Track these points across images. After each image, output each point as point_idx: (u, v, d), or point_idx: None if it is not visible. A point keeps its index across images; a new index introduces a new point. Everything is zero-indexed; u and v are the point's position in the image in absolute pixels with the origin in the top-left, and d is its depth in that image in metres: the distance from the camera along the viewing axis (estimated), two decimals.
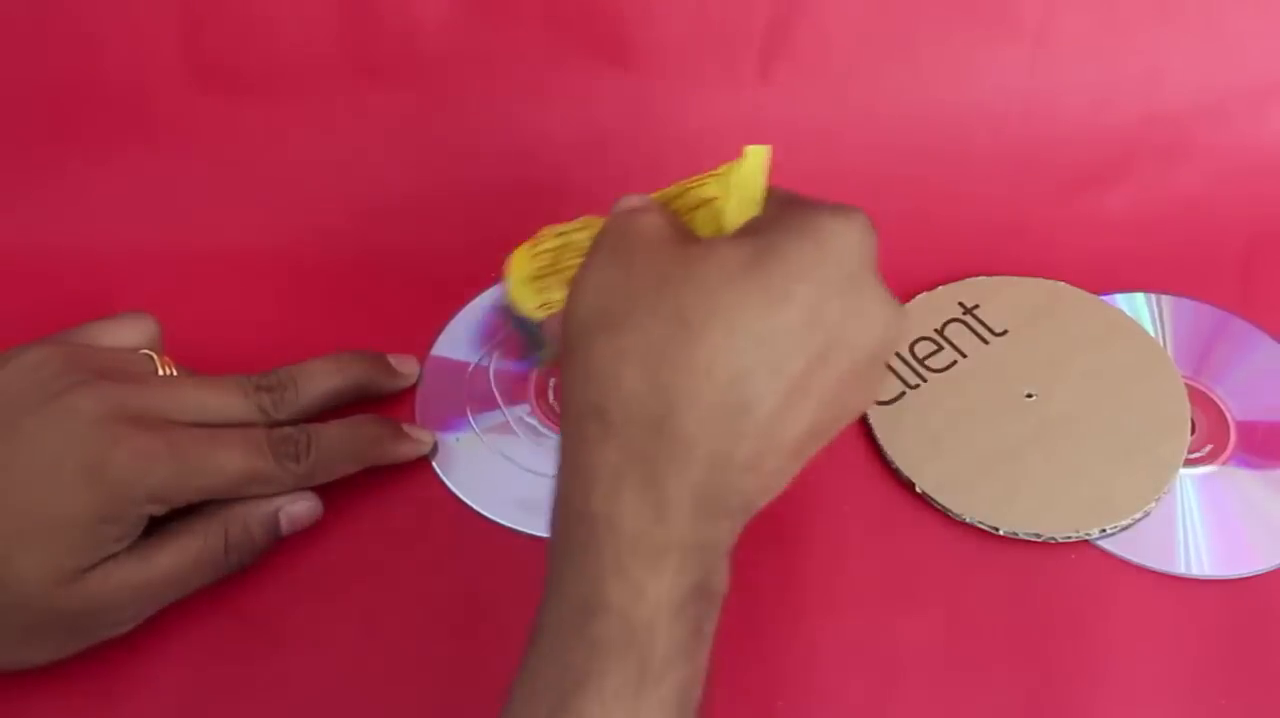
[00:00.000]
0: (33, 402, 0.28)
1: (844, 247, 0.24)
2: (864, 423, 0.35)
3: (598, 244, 0.26)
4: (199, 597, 0.31)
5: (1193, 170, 0.42)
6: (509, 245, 0.39)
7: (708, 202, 0.28)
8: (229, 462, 0.30)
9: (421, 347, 0.37)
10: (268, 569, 0.32)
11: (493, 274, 0.38)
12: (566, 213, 0.40)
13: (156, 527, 0.29)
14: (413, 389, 0.37)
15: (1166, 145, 0.42)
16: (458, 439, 0.35)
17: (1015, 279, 0.39)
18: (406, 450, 0.34)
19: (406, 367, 0.36)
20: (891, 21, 0.40)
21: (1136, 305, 0.39)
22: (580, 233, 0.32)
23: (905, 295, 0.39)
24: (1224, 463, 0.35)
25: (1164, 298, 0.39)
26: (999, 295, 0.39)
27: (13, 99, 0.39)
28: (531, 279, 0.33)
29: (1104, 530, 0.33)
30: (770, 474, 0.25)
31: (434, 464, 0.35)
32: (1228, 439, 0.36)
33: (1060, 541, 0.32)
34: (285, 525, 0.31)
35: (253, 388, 0.32)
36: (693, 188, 0.28)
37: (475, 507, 0.34)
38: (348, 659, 0.31)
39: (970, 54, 0.41)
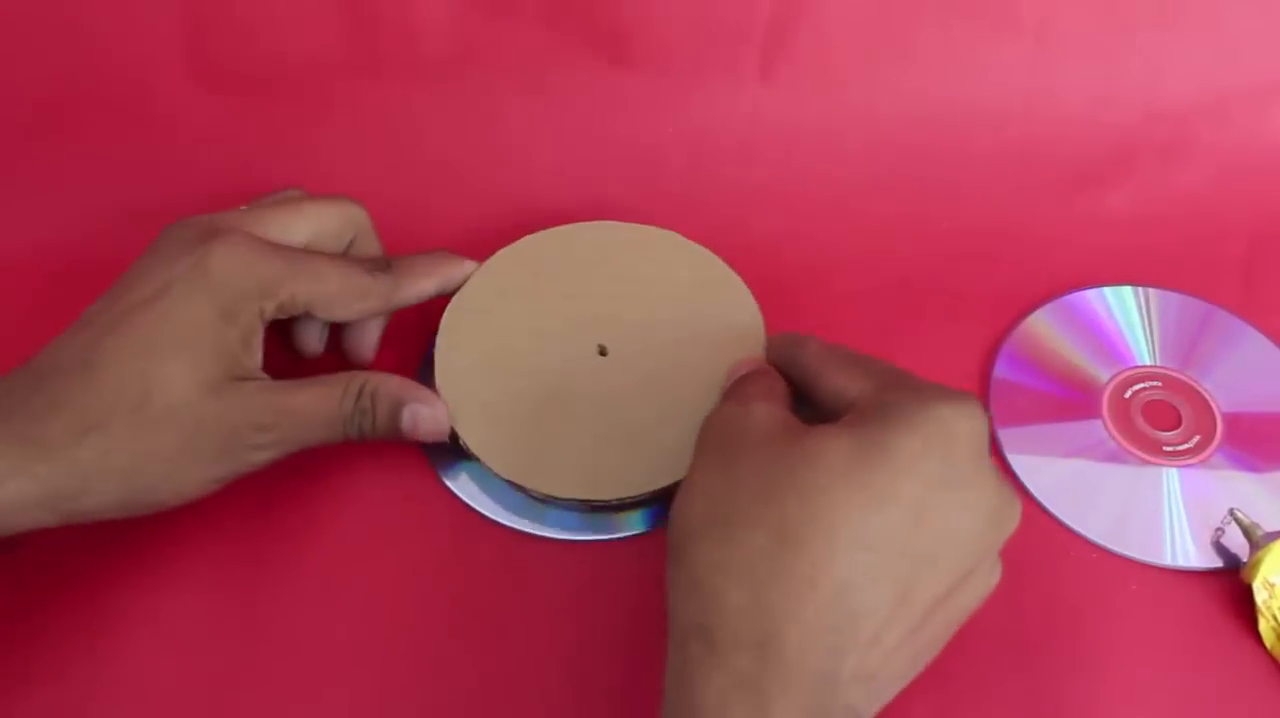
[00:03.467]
0: (139, 258, 0.30)
1: (953, 438, 0.24)
2: None
3: (704, 442, 0.27)
4: (198, 596, 0.31)
5: (1194, 169, 0.42)
6: (507, 243, 0.39)
7: None
8: (329, 268, 0.31)
9: (419, 346, 0.37)
10: (267, 569, 0.32)
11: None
12: (566, 213, 0.41)
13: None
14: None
15: (1167, 144, 0.42)
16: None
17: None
18: (469, 269, 0.35)
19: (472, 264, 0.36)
20: (891, 21, 0.40)
21: (1124, 298, 0.39)
22: None
23: (906, 293, 0.39)
24: (1211, 455, 0.35)
25: (1150, 290, 0.39)
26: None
27: (13, 99, 0.39)
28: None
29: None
30: (880, 684, 0.24)
31: (437, 469, 0.34)
32: (1214, 431, 0.36)
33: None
34: (407, 420, 0.32)
35: (372, 265, 0.33)
36: None
37: (476, 507, 0.34)
38: (347, 660, 0.31)
39: (971, 53, 0.41)
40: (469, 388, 0.34)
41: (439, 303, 0.36)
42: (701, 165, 0.41)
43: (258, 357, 0.30)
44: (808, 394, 0.29)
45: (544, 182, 0.41)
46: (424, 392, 0.32)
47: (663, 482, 0.32)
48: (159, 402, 0.28)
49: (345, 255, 0.33)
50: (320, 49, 0.39)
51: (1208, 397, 0.36)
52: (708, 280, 0.37)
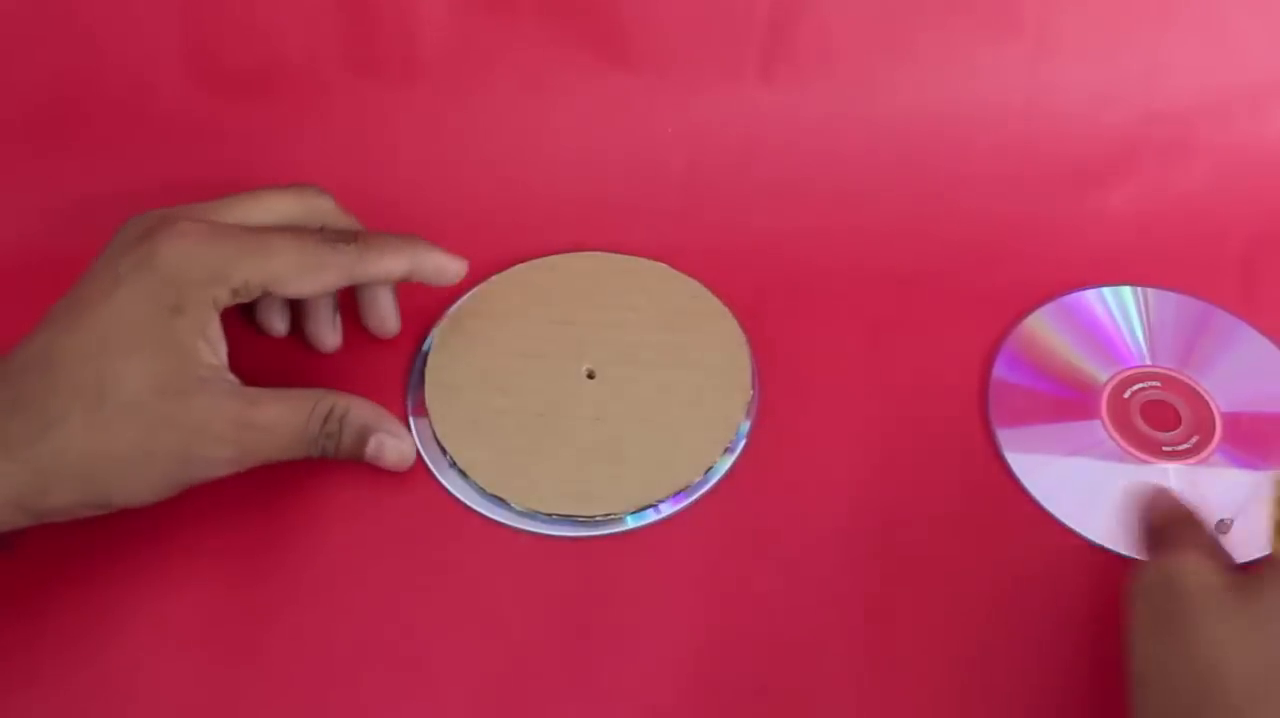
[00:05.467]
0: (96, 258, 0.30)
1: None
2: None
3: (1145, 612, 0.24)
4: (198, 596, 0.31)
5: (1194, 168, 0.42)
6: (506, 246, 0.39)
7: None
8: (282, 243, 0.30)
9: (414, 343, 0.37)
10: (267, 569, 0.32)
11: (489, 271, 0.39)
12: (565, 213, 0.41)
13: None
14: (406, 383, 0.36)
15: (1168, 143, 0.42)
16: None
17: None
18: (451, 265, 0.34)
19: (459, 267, 0.35)
20: (891, 21, 0.40)
21: (1123, 298, 0.39)
22: None
23: (906, 293, 0.39)
24: (1210, 455, 0.35)
25: (1149, 291, 0.39)
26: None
27: (13, 99, 0.39)
28: None
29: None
30: None
31: (433, 469, 0.35)
32: (1213, 431, 0.36)
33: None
34: (372, 448, 0.31)
35: (335, 235, 0.32)
36: None
37: (474, 506, 0.34)
38: (347, 658, 0.31)
39: (971, 53, 0.41)
40: (457, 405, 0.35)
41: (430, 318, 0.36)
42: (701, 165, 0.41)
43: (219, 349, 0.30)
44: None
45: (543, 182, 0.41)
46: (393, 422, 0.32)
47: (646, 499, 0.33)
48: (113, 400, 0.27)
49: (302, 228, 0.32)
50: (319, 48, 0.39)
51: (1206, 397, 0.36)
52: (697, 310, 0.38)
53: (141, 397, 0.27)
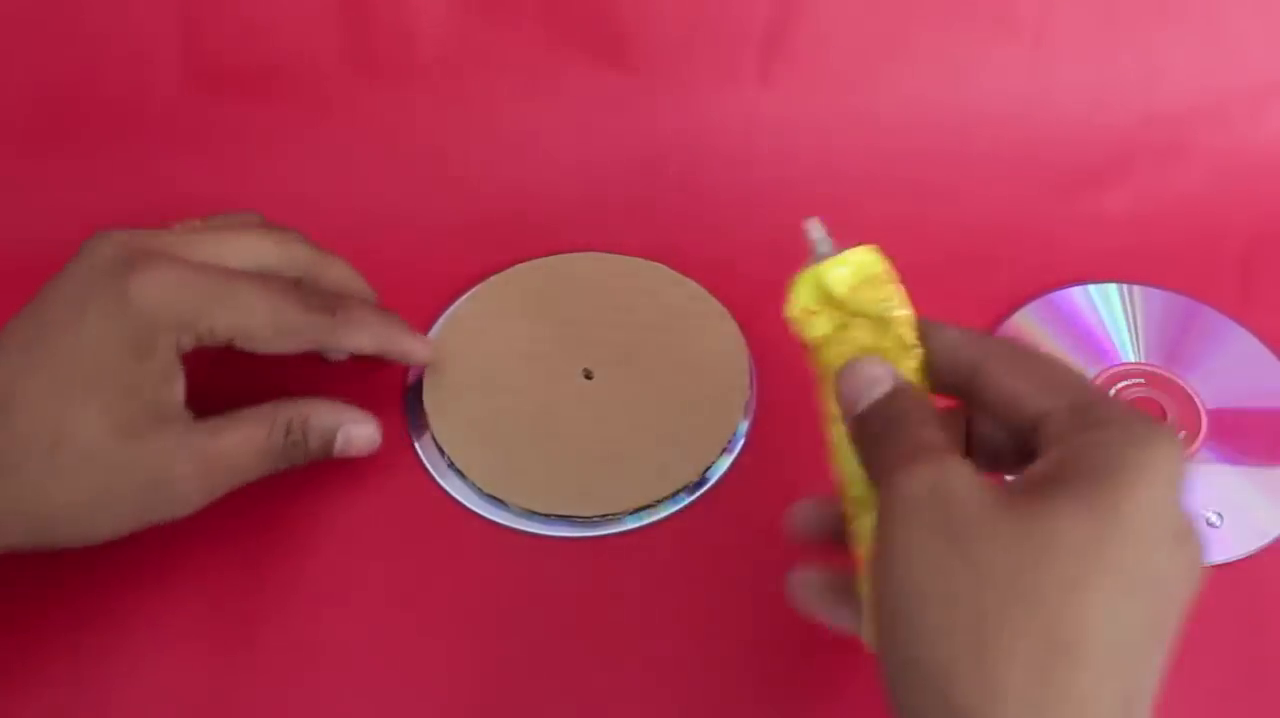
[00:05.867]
0: (60, 276, 0.29)
1: (1172, 484, 0.22)
2: None
3: (906, 519, 0.22)
4: (198, 597, 0.31)
5: (1192, 170, 0.42)
6: (506, 245, 0.39)
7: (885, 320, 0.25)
8: (256, 298, 0.29)
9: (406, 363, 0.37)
10: (266, 570, 0.32)
11: (488, 271, 0.39)
12: (564, 214, 0.41)
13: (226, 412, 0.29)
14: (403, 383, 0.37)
15: (1165, 145, 0.42)
16: None
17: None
18: (419, 350, 0.34)
19: (427, 351, 0.35)
20: (890, 22, 0.40)
21: (1108, 295, 0.40)
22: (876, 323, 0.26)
23: (905, 292, 0.39)
24: (1195, 451, 0.35)
25: (1135, 288, 0.40)
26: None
27: (12, 99, 0.39)
28: (824, 314, 0.27)
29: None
30: None
31: (432, 471, 0.35)
32: (1199, 428, 0.36)
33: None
34: (340, 444, 0.31)
35: (307, 296, 0.31)
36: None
37: (472, 507, 0.34)
38: (346, 660, 0.31)
39: (969, 54, 0.41)
40: (456, 405, 0.35)
41: (429, 319, 0.36)
42: (700, 166, 0.41)
43: (179, 387, 0.29)
44: (971, 393, 0.25)
45: (542, 183, 0.41)
46: (353, 410, 0.32)
47: (645, 499, 0.33)
48: (70, 448, 0.27)
49: (283, 283, 0.31)
50: (317, 50, 0.39)
51: (1192, 393, 0.37)
52: (695, 311, 0.38)
53: (100, 443, 0.27)
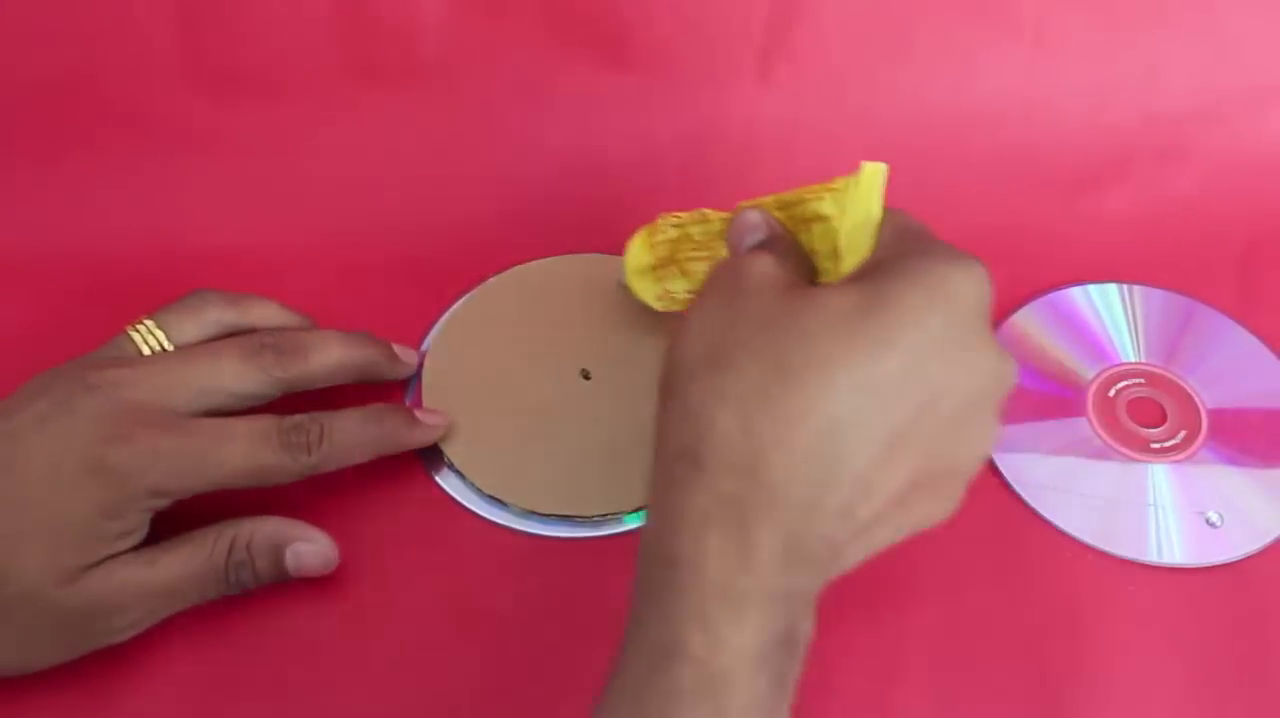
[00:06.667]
0: (33, 416, 0.28)
1: (956, 297, 0.24)
2: None
3: (709, 286, 0.26)
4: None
5: (1191, 171, 0.42)
6: (506, 245, 0.40)
7: (824, 219, 0.27)
8: (234, 455, 0.29)
9: (414, 344, 0.37)
10: None
11: (489, 272, 0.39)
12: (565, 214, 0.41)
13: (164, 534, 0.29)
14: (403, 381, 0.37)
15: (1165, 146, 0.42)
16: None
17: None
18: (420, 437, 0.33)
19: (408, 357, 0.35)
20: (890, 22, 0.40)
21: (1108, 295, 0.40)
22: (696, 226, 0.32)
23: None
24: (1196, 451, 0.35)
25: (1135, 288, 0.40)
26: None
27: (11, 99, 0.39)
28: (649, 269, 0.34)
29: None
30: (866, 526, 0.24)
31: (433, 473, 0.35)
32: (1199, 427, 0.36)
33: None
34: (290, 561, 0.30)
35: (255, 347, 0.31)
36: (809, 200, 0.28)
37: (472, 507, 0.34)
38: (344, 659, 0.31)
39: (969, 55, 0.41)
40: (454, 406, 0.35)
41: (428, 319, 0.36)
42: (700, 166, 0.42)
43: (135, 539, 0.28)
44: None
45: (542, 182, 0.41)
46: (302, 527, 0.31)
47: (644, 499, 0.33)
48: (14, 588, 0.27)
49: (264, 426, 0.30)
50: (318, 50, 0.39)
51: (1192, 393, 0.37)
52: None
53: (38, 587, 0.27)
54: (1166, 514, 0.34)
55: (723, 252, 0.31)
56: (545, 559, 0.33)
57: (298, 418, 0.31)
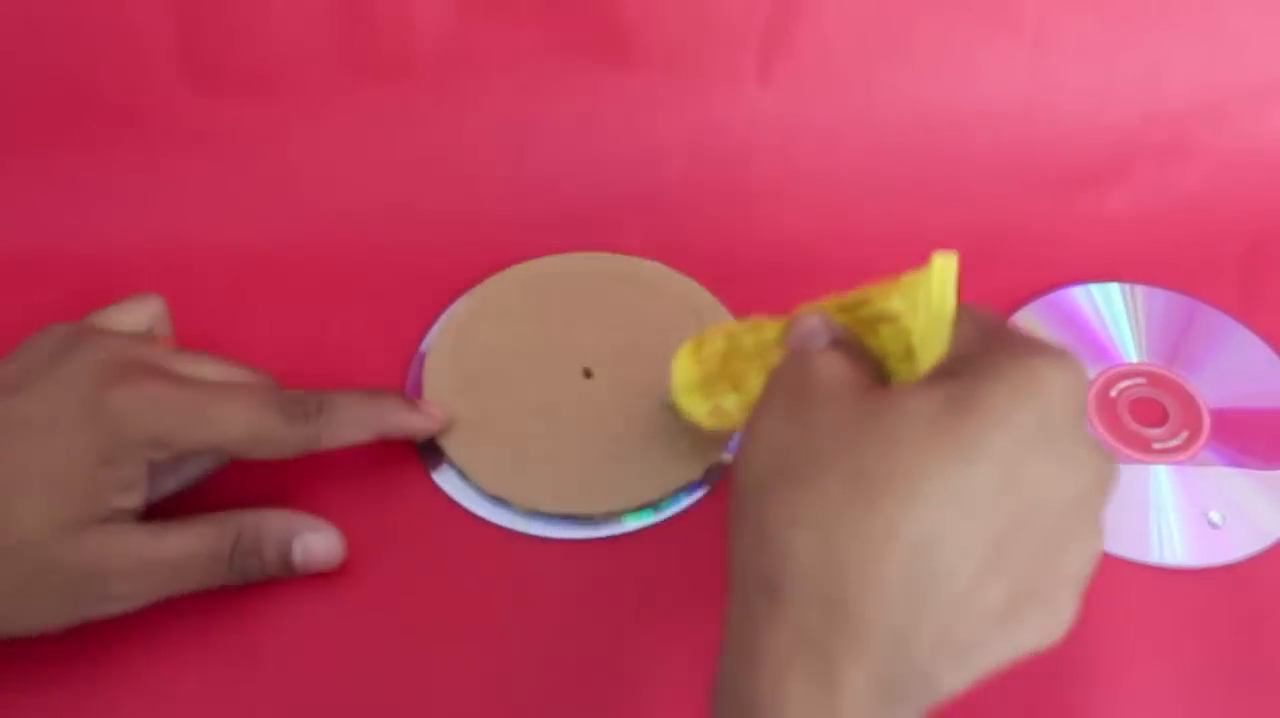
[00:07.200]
0: (39, 364, 0.28)
1: (1048, 393, 0.22)
2: None
3: (772, 389, 0.24)
4: (196, 597, 0.31)
5: (1193, 170, 0.42)
6: (506, 245, 0.39)
7: (894, 317, 0.25)
8: (235, 413, 0.29)
9: (413, 344, 0.38)
10: None
11: (488, 271, 0.39)
12: (565, 213, 0.41)
13: (172, 514, 0.29)
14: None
15: (1166, 145, 0.42)
16: None
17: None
18: (420, 423, 0.33)
19: (438, 411, 0.34)
20: (891, 21, 0.40)
21: (1110, 295, 0.40)
22: (749, 335, 0.30)
23: None
24: (1199, 451, 0.35)
25: (1137, 288, 0.40)
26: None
27: (10, 99, 0.39)
28: (698, 384, 0.32)
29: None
30: (965, 651, 0.22)
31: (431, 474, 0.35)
32: (1201, 427, 0.36)
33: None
34: (298, 553, 0.30)
35: (275, 395, 0.30)
36: (875, 299, 0.26)
37: (472, 508, 0.34)
38: (342, 659, 0.31)
39: (969, 54, 0.41)
40: (456, 405, 0.35)
41: (429, 318, 0.36)
42: (700, 166, 0.42)
43: (135, 497, 0.28)
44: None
45: (543, 182, 0.41)
46: (310, 519, 0.31)
47: (646, 499, 0.33)
48: (12, 537, 0.26)
49: (264, 393, 0.30)
50: (317, 49, 0.39)
51: (1194, 393, 0.37)
52: (694, 308, 0.38)
53: (36, 537, 0.26)
54: (1168, 515, 0.34)
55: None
56: (545, 559, 0.33)
57: (298, 391, 0.31)
